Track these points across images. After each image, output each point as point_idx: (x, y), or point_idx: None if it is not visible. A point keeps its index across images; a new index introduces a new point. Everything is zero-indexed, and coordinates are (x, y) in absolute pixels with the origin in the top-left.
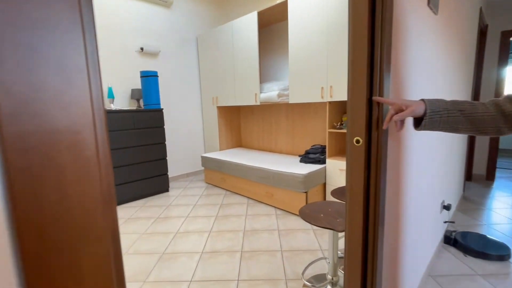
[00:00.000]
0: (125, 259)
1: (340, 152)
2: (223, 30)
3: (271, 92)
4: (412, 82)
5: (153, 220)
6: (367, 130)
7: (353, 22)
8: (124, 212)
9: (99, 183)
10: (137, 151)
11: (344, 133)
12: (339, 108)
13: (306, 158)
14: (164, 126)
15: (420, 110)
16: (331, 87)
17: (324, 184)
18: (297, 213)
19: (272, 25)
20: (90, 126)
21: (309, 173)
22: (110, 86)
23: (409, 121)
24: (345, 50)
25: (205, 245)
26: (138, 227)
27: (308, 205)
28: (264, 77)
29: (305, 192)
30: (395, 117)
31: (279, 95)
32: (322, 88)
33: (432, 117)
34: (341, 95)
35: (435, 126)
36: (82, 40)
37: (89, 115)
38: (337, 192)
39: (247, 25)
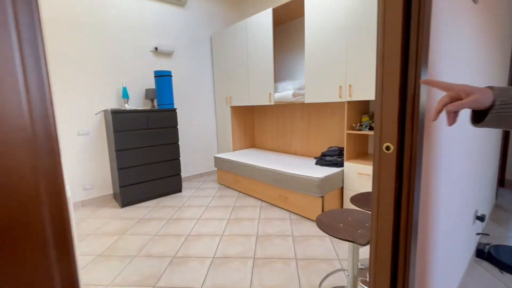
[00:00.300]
0: (136, 262)
1: (359, 154)
2: (237, 29)
3: (286, 92)
4: (450, 77)
5: (165, 221)
6: (399, 135)
7: (385, 9)
8: (137, 212)
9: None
10: (151, 151)
11: (364, 134)
12: (358, 108)
13: (322, 160)
14: (178, 126)
15: (486, 100)
16: (350, 86)
17: (342, 189)
18: (313, 219)
19: (287, 23)
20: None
21: (325, 176)
22: (124, 86)
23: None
24: (366, 46)
25: (216, 249)
26: (150, 228)
27: (325, 213)
28: (279, 76)
29: (321, 196)
30: (450, 107)
31: (294, 95)
32: (341, 87)
33: (503, 110)
34: (361, 94)
35: (503, 122)
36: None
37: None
38: (357, 199)
39: (262, 22)
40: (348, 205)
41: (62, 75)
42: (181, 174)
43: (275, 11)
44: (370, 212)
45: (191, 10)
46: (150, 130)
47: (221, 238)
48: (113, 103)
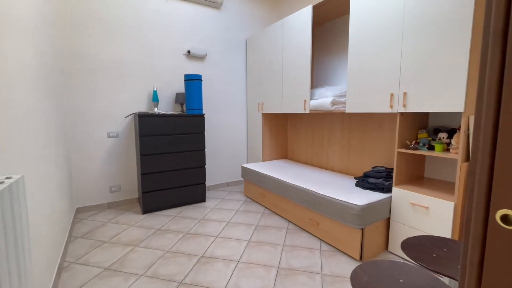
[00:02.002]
0: (140, 283)
1: (412, 179)
2: (273, 30)
3: (323, 99)
4: None
5: (181, 235)
6: None
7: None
8: (156, 221)
9: None
10: (176, 158)
11: (421, 155)
12: (414, 122)
13: (364, 182)
14: (205, 133)
15: None
16: (404, 93)
17: (388, 220)
18: (349, 253)
19: (327, 23)
20: None
21: (368, 204)
22: (155, 89)
23: None
24: (430, 45)
25: (229, 280)
26: (165, 242)
27: (366, 266)
28: (316, 81)
29: (361, 228)
30: None
31: (333, 103)
32: (392, 95)
33: None
34: (420, 104)
35: None
36: None
37: None
38: (411, 247)
39: (300, 21)
40: (395, 247)
41: (94, 77)
42: (207, 182)
43: (315, 8)
44: (433, 273)
45: (227, 12)
46: (176, 136)
47: (236, 265)
48: (144, 106)
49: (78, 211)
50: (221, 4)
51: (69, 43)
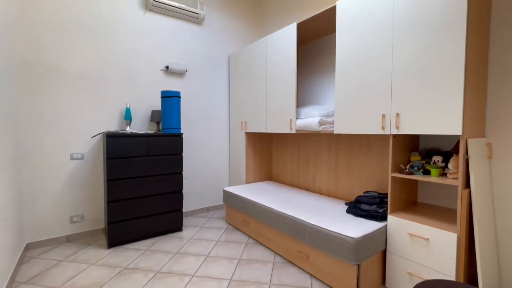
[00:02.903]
0: None
1: (406, 205)
2: (257, 47)
3: (310, 119)
4: None
5: (152, 275)
6: None
7: None
8: (123, 256)
9: None
10: (149, 182)
11: (414, 180)
12: (405, 144)
13: (356, 209)
14: (184, 153)
15: None
16: (397, 114)
17: (384, 252)
18: None
19: (313, 42)
20: None
21: (364, 236)
22: (128, 106)
23: None
24: (421, 64)
25: None
26: (130, 285)
27: None
28: (302, 100)
29: (357, 264)
30: None
31: (320, 123)
32: (384, 116)
33: None
34: (414, 126)
35: None
36: None
37: None
38: None
39: (285, 39)
40: (394, 282)
41: (58, 91)
42: (184, 208)
43: (300, 26)
44: None
45: (209, 28)
46: (150, 158)
47: None
48: (115, 125)
49: (29, 247)
50: (202, 19)
51: (30, 52)
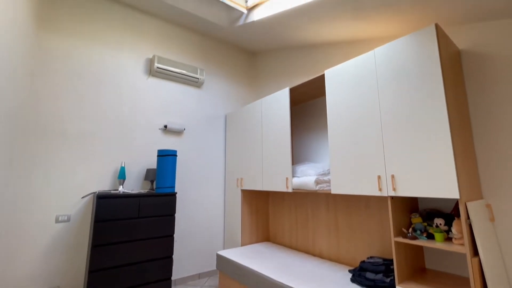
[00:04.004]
0: None
1: (414, 273)
2: (252, 108)
3: (306, 177)
4: None
5: None
6: None
7: None
8: None
9: None
10: (137, 247)
11: (421, 246)
12: (404, 205)
13: (362, 278)
14: (176, 214)
15: None
16: (392, 176)
17: None
18: None
19: (306, 102)
20: None
21: None
22: (123, 165)
23: None
24: (412, 126)
25: None
26: None
27: None
28: (297, 157)
29: None
30: None
31: (317, 182)
32: (379, 177)
33: None
34: (411, 188)
35: None
36: None
37: None
38: None
39: (279, 101)
40: None
41: (51, 148)
42: (173, 275)
43: (292, 90)
44: None
45: (207, 90)
46: (141, 219)
47: None
48: (107, 184)
49: None
50: (202, 83)
51: (30, 112)
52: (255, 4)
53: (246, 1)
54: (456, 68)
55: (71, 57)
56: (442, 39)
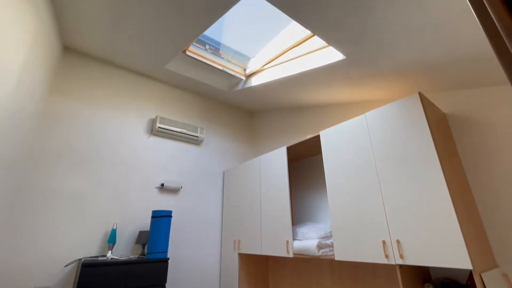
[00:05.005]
0: None
1: None
2: (250, 165)
3: (308, 241)
4: None
5: None
6: None
7: None
8: None
9: None
10: None
11: None
12: (415, 273)
13: None
14: (168, 283)
15: None
16: (398, 242)
17: None
18: None
19: (304, 160)
20: None
21: None
22: (114, 227)
23: None
24: (414, 189)
25: None
26: None
27: None
28: (297, 217)
29: None
30: None
31: (319, 246)
32: (384, 242)
33: None
34: (419, 256)
35: None
36: None
37: None
38: None
39: (276, 160)
40: None
41: (39, 211)
42: None
43: (290, 149)
44: None
45: (206, 147)
46: None
47: None
48: (95, 249)
49: None
50: (201, 141)
51: (26, 176)
52: (252, 72)
53: (245, 70)
54: (445, 131)
55: (75, 118)
56: (427, 105)
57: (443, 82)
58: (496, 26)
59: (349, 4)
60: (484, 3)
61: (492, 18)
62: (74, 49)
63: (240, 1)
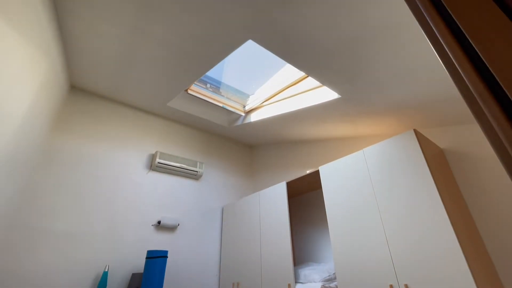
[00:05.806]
0: None
1: None
2: (250, 200)
3: (311, 284)
4: None
5: None
6: None
7: None
8: None
9: None
10: None
11: None
12: None
13: None
14: None
15: None
16: (406, 286)
17: None
18: None
19: (304, 194)
20: None
21: None
22: (106, 270)
23: None
24: (417, 229)
25: None
26: None
27: None
28: (300, 256)
29: None
30: None
31: None
32: (391, 286)
33: None
34: None
35: None
36: None
37: None
38: None
39: (276, 195)
40: None
41: (26, 251)
42: None
43: (289, 184)
44: None
45: (205, 182)
46: None
47: None
48: None
49: None
50: (200, 176)
51: (19, 214)
52: (251, 108)
53: (244, 106)
54: (443, 166)
55: (76, 153)
56: (423, 141)
57: (439, 118)
58: (471, 91)
59: (341, 50)
60: (457, 69)
61: (466, 83)
62: (81, 88)
63: (239, 47)
